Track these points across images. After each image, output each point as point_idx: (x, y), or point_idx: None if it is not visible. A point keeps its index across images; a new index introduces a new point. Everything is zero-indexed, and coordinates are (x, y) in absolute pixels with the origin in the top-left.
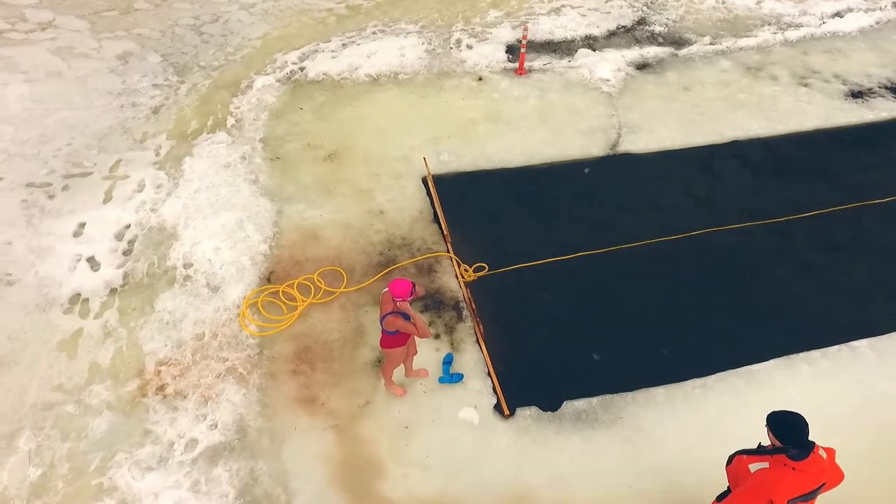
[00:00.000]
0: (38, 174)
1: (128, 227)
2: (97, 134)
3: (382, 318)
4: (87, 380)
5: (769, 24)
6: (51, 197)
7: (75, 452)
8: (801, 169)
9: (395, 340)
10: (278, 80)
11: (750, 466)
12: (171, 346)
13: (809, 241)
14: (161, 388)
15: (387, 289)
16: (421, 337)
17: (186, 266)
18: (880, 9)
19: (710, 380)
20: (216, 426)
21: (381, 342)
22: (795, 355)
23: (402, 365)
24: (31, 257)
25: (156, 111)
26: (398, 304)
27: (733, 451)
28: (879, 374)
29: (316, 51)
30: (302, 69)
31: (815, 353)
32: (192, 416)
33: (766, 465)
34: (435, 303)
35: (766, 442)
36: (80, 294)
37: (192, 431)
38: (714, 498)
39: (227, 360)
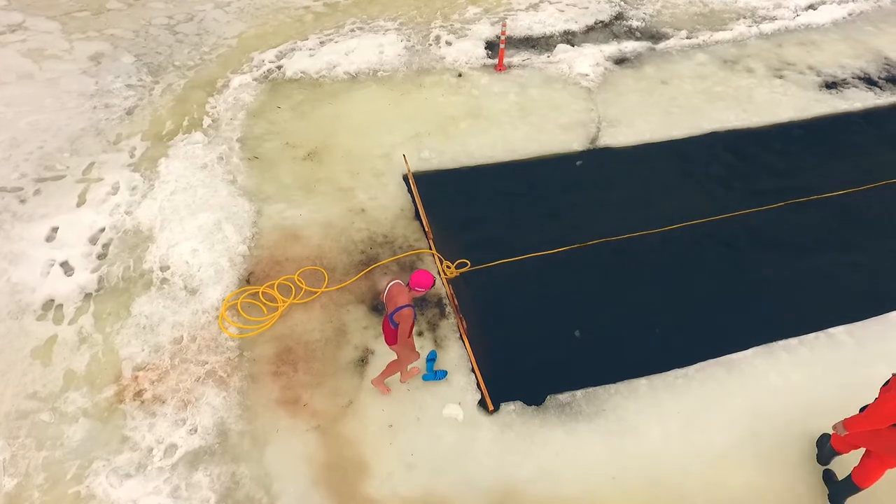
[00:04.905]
0: (9, 178)
1: (102, 230)
2: (70, 136)
3: (394, 312)
4: (63, 387)
5: (744, 18)
6: (22, 201)
7: (51, 461)
8: (777, 159)
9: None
10: (255, 79)
11: None
12: (148, 351)
13: (786, 230)
14: (139, 393)
15: (395, 281)
16: (390, 343)
17: (163, 269)
18: (853, 0)
19: (692, 369)
20: (196, 430)
21: (389, 339)
22: (774, 343)
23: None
24: (2, 263)
25: (130, 112)
26: (416, 292)
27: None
28: (857, 360)
29: (293, 49)
30: (279, 68)
31: (793, 341)
32: (171, 421)
33: None
34: (418, 300)
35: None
36: (53, 300)
37: (171, 437)
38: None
39: (207, 363)
